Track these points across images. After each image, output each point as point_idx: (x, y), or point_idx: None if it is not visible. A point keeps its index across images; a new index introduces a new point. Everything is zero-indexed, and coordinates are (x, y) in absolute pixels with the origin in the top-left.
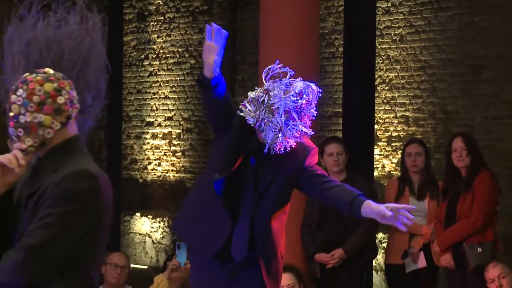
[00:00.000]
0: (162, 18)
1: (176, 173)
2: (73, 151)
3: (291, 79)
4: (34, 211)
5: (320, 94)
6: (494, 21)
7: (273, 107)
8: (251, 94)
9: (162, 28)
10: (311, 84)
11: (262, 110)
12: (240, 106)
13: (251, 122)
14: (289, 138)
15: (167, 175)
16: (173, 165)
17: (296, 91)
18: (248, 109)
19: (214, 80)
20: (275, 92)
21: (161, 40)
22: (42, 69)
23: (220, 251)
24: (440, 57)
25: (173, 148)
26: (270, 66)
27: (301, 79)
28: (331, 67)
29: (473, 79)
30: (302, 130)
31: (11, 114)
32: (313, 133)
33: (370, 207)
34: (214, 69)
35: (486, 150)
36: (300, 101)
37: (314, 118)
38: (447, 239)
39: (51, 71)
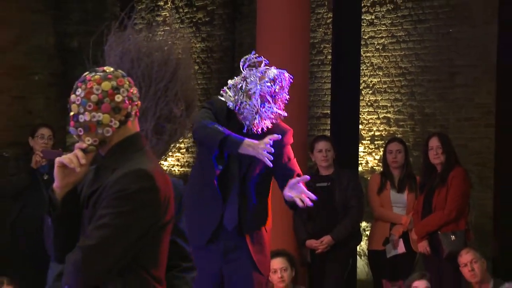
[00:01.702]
0: (169, 28)
1: (181, 168)
2: (133, 149)
3: (266, 67)
4: (93, 210)
5: (292, 81)
6: (467, 32)
7: (250, 92)
8: (230, 82)
9: (168, 37)
10: (283, 71)
11: (240, 95)
12: (221, 91)
13: (231, 106)
14: (265, 120)
15: (172, 169)
16: (178, 160)
17: (270, 77)
18: (228, 95)
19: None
20: (251, 79)
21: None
22: (101, 68)
23: (214, 232)
24: (419, 64)
25: (178, 144)
26: (247, 56)
27: (275, 67)
28: (320, 73)
29: (448, 84)
30: (276, 112)
31: (71, 113)
32: (286, 114)
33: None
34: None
35: (459, 149)
36: (274, 86)
37: (286, 101)
38: (424, 228)
39: (111, 69)
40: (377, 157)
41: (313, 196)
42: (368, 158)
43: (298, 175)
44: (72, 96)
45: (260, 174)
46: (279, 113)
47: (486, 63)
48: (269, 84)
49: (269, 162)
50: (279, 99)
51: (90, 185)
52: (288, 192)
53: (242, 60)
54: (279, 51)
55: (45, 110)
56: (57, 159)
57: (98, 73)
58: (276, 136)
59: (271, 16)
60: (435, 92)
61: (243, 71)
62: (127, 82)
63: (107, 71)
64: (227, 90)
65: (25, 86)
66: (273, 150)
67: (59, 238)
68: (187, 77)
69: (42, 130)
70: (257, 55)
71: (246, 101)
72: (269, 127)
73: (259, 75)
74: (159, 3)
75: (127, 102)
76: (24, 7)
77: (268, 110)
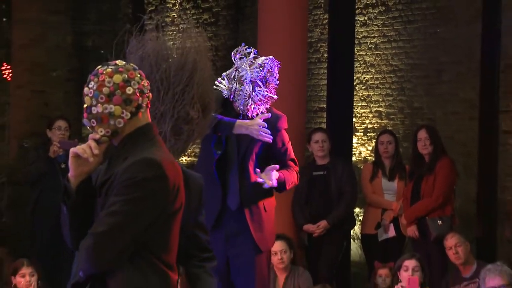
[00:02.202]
0: (177, 28)
1: (188, 157)
2: (144, 139)
3: (255, 55)
4: (106, 198)
5: (279, 66)
6: (453, 32)
7: (241, 79)
8: (224, 73)
9: (176, 37)
10: (272, 58)
11: (233, 83)
12: (216, 82)
13: (225, 95)
14: (258, 104)
15: (179, 160)
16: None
17: (259, 63)
18: (222, 84)
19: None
20: (242, 67)
21: (176, 47)
22: (114, 61)
23: (217, 217)
24: (408, 62)
25: None
26: (238, 48)
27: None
28: (317, 70)
29: (435, 80)
30: (268, 95)
31: (85, 105)
32: (276, 97)
33: None
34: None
35: (446, 140)
36: (263, 71)
37: (277, 85)
38: (413, 213)
39: (123, 63)
40: (370, 147)
41: (274, 184)
42: (361, 149)
43: (293, 160)
44: (85, 89)
45: (258, 156)
46: (270, 96)
47: (470, 60)
48: (258, 69)
49: (267, 138)
50: (270, 84)
51: (103, 174)
52: (259, 175)
53: (233, 52)
54: (279, 50)
55: (62, 103)
56: (72, 150)
57: (110, 67)
58: (266, 115)
59: (272, 17)
60: (423, 87)
61: (235, 62)
62: (138, 75)
63: (119, 64)
64: (222, 81)
65: (45, 82)
66: (266, 125)
67: (74, 226)
68: (204, 80)
69: (59, 122)
70: (247, 46)
71: (238, 88)
72: (264, 112)
73: (249, 62)
74: (167, 5)
75: (137, 94)
76: (44, 8)
77: (259, 94)
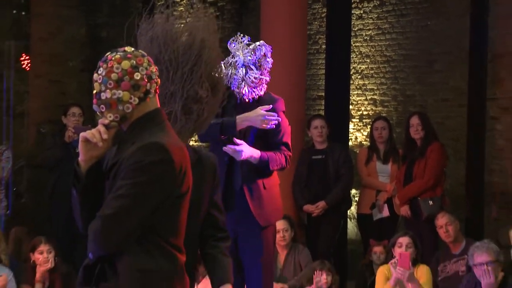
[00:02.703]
0: (185, 21)
1: (195, 142)
2: (152, 124)
3: (248, 42)
4: (113, 182)
5: (271, 50)
6: (443, 24)
7: (235, 64)
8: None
9: (192, 21)
10: (263, 42)
11: (229, 70)
12: None
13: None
14: (251, 86)
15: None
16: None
17: (251, 48)
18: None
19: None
20: (236, 53)
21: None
22: (122, 48)
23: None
24: (401, 53)
25: None
26: (233, 37)
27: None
28: (316, 60)
29: (427, 70)
30: (260, 78)
31: (94, 91)
32: (269, 78)
33: None
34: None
35: (437, 126)
36: (254, 55)
37: (269, 68)
38: (406, 194)
39: (131, 49)
40: (365, 133)
41: (242, 156)
42: (357, 134)
43: (285, 144)
44: (95, 75)
45: (256, 136)
46: (263, 79)
47: (460, 51)
48: (250, 54)
49: (274, 122)
50: (264, 67)
51: (112, 158)
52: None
53: (229, 41)
54: (280, 41)
55: (77, 92)
56: (81, 134)
57: (118, 53)
58: (267, 107)
59: (273, 10)
60: (415, 76)
61: (230, 50)
62: (146, 61)
63: (128, 50)
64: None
65: (61, 72)
66: (275, 115)
67: (84, 209)
68: (212, 59)
69: (73, 109)
70: (241, 35)
71: (233, 72)
72: (260, 95)
73: (242, 48)
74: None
75: (145, 80)
76: (60, 3)
77: (251, 76)
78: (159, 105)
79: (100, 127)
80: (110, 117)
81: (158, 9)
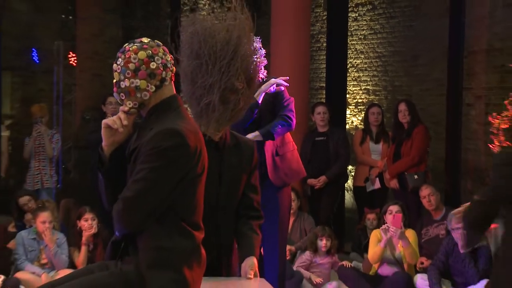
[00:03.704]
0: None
1: None
2: (168, 110)
3: None
4: (134, 166)
5: (262, 48)
6: (426, 25)
7: None
8: None
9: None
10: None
11: None
12: None
13: None
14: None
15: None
16: None
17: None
18: None
19: None
20: None
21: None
22: (139, 39)
23: None
24: (390, 49)
25: None
26: None
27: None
28: (318, 56)
29: (412, 64)
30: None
31: (114, 80)
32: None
33: None
34: None
35: (421, 112)
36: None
37: (263, 55)
38: (394, 169)
39: (147, 40)
40: (360, 118)
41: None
42: (353, 119)
43: (289, 111)
44: (114, 65)
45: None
46: (261, 64)
47: (440, 47)
48: None
49: (284, 84)
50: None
51: (132, 143)
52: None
53: None
54: (287, 40)
55: None
56: (103, 121)
57: (135, 44)
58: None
59: (282, 14)
60: (402, 69)
61: None
62: (162, 51)
63: (144, 41)
64: None
65: (102, 67)
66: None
67: (108, 191)
68: (247, 54)
69: (110, 99)
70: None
71: None
72: (261, 77)
73: None
74: (199, 5)
75: (161, 68)
76: (101, 8)
77: None
78: (174, 92)
79: (120, 114)
80: (129, 104)
81: (185, 14)
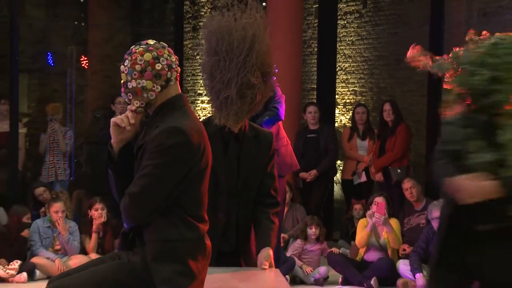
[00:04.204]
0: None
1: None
2: (173, 109)
3: None
4: (140, 162)
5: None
6: (408, 32)
7: None
8: None
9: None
10: None
11: None
12: None
13: None
14: None
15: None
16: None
17: None
18: None
19: None
20: None
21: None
22: (145, 41)
23: None
24: (376, 54)
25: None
26: None
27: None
28: (309, 60)
29: (396, 67)
30: None
31: (122, 81)
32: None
33: None
34: None
35: (404, 111)
36: None
37: None
38: (379, 164)
39: (153, 42)
40: (348, 117)
41: None
42: (342, 118)
43: (278, 103)
44: (122, 67)
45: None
46: None
47: None
48: None
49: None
50: None
51: (139, 140)
52: None
53: None
54: (282, 46)
55: None
56: (112, 119)
57: (141, 46)
58: None
59: (277, 21)
60: (387, 72)
61: None
62: (167, 52)
63: (150, 43)
64: None
65: (111, 70)
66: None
67: (118, 186)
68: (262, 51)
69: (119, 98)
70: None
71: None
72: None
73: None
74: (201, 13)
75: (166, 69)
76: (112, 16)
77: None
78: (180, 91)
79: (128, 113)
80: (136, 104)
81: (187, 21)
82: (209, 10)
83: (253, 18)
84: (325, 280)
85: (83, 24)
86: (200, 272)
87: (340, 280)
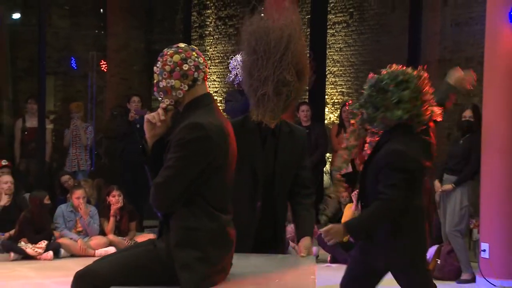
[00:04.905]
0: (212, 37)
1: None
2: (199, 107)
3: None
4: (167, 155)
5: None
6: (389, 40)
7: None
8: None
9: (212, 43)
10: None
11: (234, 71)
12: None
13: (234, 81)
14: None
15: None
16: None
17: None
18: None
19: None
20: (237, 59)
21: (212, 50)
22: (176, 44)
23: None
24: (361, 59)
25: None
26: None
27: None
28: None
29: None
30: None
31: (154, 81)
32: None
33: None
34: None
35: None
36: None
37: None
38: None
39: (182, 45)
40: (336, 115)
41: None
42: (331, 116)
43: None
44: (154, 68)
45: None
46: None
47: (401, 58)
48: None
49: None
50: None
51: (169, 136)
52: None
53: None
54: None
55: (139, 87)
56: (145, 116)
57: (172, 49)
58: None
59: None
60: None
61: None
62: (195, 54)
63: (180, 46)
64: (230, 75)
65: (128, 72)
66: None
67: (152, 178)
68: (297, 50)
69: (134, 98)
70: None
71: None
72: None
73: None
74: (206, 22)
75: (193, 70)
76: (128, 25)
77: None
78: (207, 90)
79: (159, 110)
80: (167, 101)
81: (194, 29)
82: (213, 20)
83: (289, 20)
84: (316, 258)
85: (102, 32)
86: (219, 260)
87: (328, 259)
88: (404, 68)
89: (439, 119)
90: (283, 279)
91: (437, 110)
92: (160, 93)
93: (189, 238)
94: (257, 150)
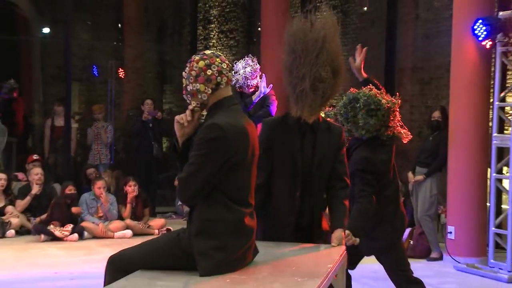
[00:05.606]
0: (215, 48)
1: None
2: (221, 109)
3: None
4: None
5: (258, 64)
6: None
7: (237, 70)
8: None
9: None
10: (248, 59)
11: (236, 76)
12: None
13: (236, 85)
14: (249, 78)
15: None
16: None
17: (243, 65)
18: (234, 79)
19: None
20: (239, 66)
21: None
22: (203, 51)
23: None
24: (346, 67)
25: None
26: (239, 59)
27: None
28: None
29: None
30: (251, 72)
31: (183, 85)
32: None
33: None
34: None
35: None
36: (245, 68)
37: (258, 68)
38: None
39: (208, 52)
40: (323, 115)
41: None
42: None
43: (269, 106)
44: (183, 73)
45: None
46: (256, 72)
47: (379, 66)
48: (243, 64)
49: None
50: (254, 68)
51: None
52: None
53: (237, 62)
54: (275, 61)
55: (152, 92)
56: (175, 117)
57: (198, 55)
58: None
59: (269, 42)
60: (353, 81)
61: (235, 65)
62: (219, 60)
63: (206, 53)
64: (233, 79)
65: (143, 79)
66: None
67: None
68: (332, 49)
69: (147, 101)
70: (249, 55)
71: (237, 78)
72: (254, 85)
73: (240, 63)
74: (210, 35)
75: (216, 75)
76: (142, 39)
77: (247, 70)
78: (230, 93)
79: (187, 112)
80: (194, 104)
81: (200, 41)
82: (217, 33)
83: (324, 22)
84: None
85: (120, 44)
86: (237, 249)
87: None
88: (382, 94)
89: (405, 141)
90: (301, 266)
91: (406, 132)
92: (188, 96)
93: (207, 228)
94: (296, 144)
